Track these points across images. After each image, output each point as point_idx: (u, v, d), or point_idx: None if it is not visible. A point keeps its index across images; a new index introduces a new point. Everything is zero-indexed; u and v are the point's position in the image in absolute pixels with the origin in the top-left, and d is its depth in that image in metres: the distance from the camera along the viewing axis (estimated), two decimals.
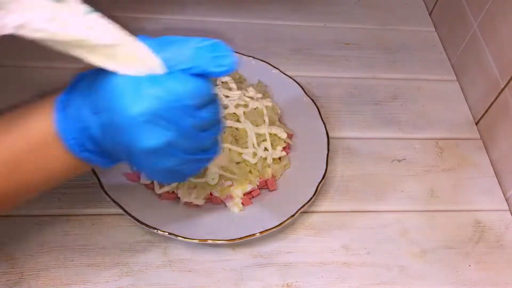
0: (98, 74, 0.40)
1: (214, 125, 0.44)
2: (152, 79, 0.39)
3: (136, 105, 0.38)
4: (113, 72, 0.39)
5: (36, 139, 0.42)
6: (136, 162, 0.43)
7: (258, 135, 0.63)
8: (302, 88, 0.71)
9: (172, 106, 0.39)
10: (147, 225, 0.56)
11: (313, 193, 0.61)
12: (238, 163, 0.61)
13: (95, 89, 0.40)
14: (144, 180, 0.61)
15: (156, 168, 0.43)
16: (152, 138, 0.39)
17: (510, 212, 0.67)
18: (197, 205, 0.60)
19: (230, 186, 0.61)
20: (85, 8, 0.36)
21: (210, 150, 0.45)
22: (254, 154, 0.62)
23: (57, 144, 0.42)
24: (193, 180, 0.59)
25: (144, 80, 0.39)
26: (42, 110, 0.42)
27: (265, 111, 0.65)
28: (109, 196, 0.58)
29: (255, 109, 0.65)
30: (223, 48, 0.41)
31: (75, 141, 0.42)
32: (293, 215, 0.59)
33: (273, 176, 0.63)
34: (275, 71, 0.73)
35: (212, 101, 0.42)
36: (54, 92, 0.43)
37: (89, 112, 0.41)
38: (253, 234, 0.57)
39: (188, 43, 0.41)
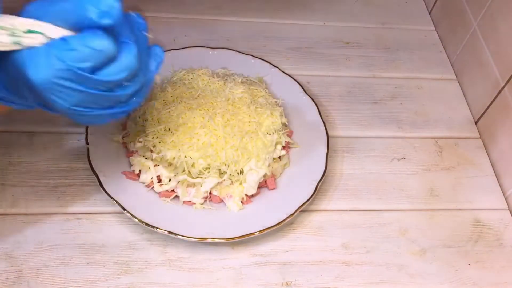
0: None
1: (128, 81, 0.44)
2: (52, 46, 0.40)
3: (38, 74, 0.40)
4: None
5: None
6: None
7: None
8: (302, 87, 0.71)
9: (71, 69, 0.40)
10: (146, 224, 0.56)
11: (312, 192, 0.61)
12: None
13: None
14: (143, 179, 0.60)
15: (75, 118, 0.45)
16: (61, 101, 0.42)
17: (510, 211, 0.67)
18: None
19: (229, 185, 0.61)
20: None
21: (127, 103, 0.46)
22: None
23: None
24: (191, 180, 0.59)
25: (42, 50, 0.40)
26: None
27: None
28: (108, 195, 0.58)
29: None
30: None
31: None
32: (292, 214, 0.59)
33: (273, 175, 0.63)
34: (274, 69, 0.73)
35: (117, 59, 0.43)
36: None
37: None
38: (253, 233, 0.57)
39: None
